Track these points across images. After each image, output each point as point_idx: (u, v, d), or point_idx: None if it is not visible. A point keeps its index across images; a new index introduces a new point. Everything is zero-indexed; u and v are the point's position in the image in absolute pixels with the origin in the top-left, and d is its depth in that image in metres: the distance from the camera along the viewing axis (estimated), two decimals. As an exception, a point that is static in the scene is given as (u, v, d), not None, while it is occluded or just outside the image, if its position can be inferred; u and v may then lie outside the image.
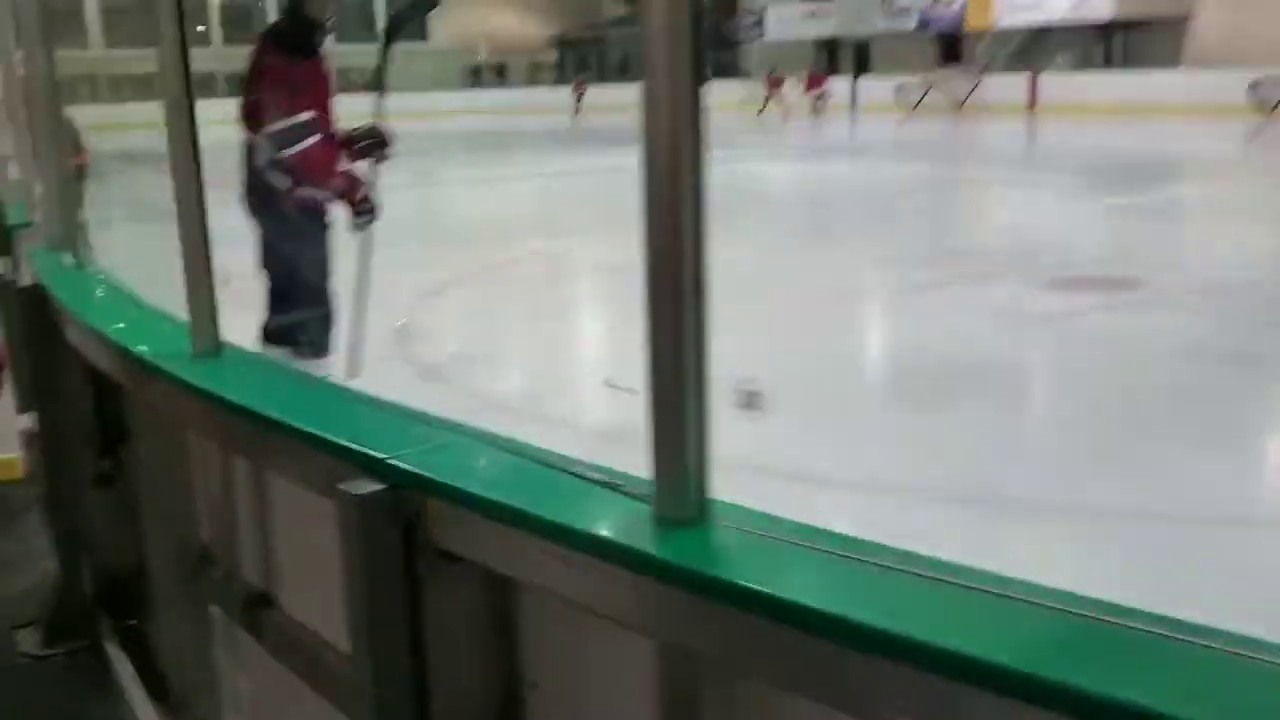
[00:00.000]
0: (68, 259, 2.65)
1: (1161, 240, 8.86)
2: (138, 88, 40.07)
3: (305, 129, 3.74)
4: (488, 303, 7.29)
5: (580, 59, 45.86)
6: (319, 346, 4.01)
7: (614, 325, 6.36)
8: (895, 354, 5.96)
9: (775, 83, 30.59)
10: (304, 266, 3.97)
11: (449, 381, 5.26)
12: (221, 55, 41.03)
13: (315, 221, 3.96)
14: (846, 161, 18.02)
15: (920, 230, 10.41)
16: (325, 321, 4.06)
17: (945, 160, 18.01)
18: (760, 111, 30.16)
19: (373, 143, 4.06)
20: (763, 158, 17.49)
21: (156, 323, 1.99)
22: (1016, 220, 10.26)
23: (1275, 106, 20.73)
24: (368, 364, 4.17)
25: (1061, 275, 7.09)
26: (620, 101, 34.77)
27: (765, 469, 3.42)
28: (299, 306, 3.99)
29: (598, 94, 41.20)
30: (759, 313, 6.52)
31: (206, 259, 1.69)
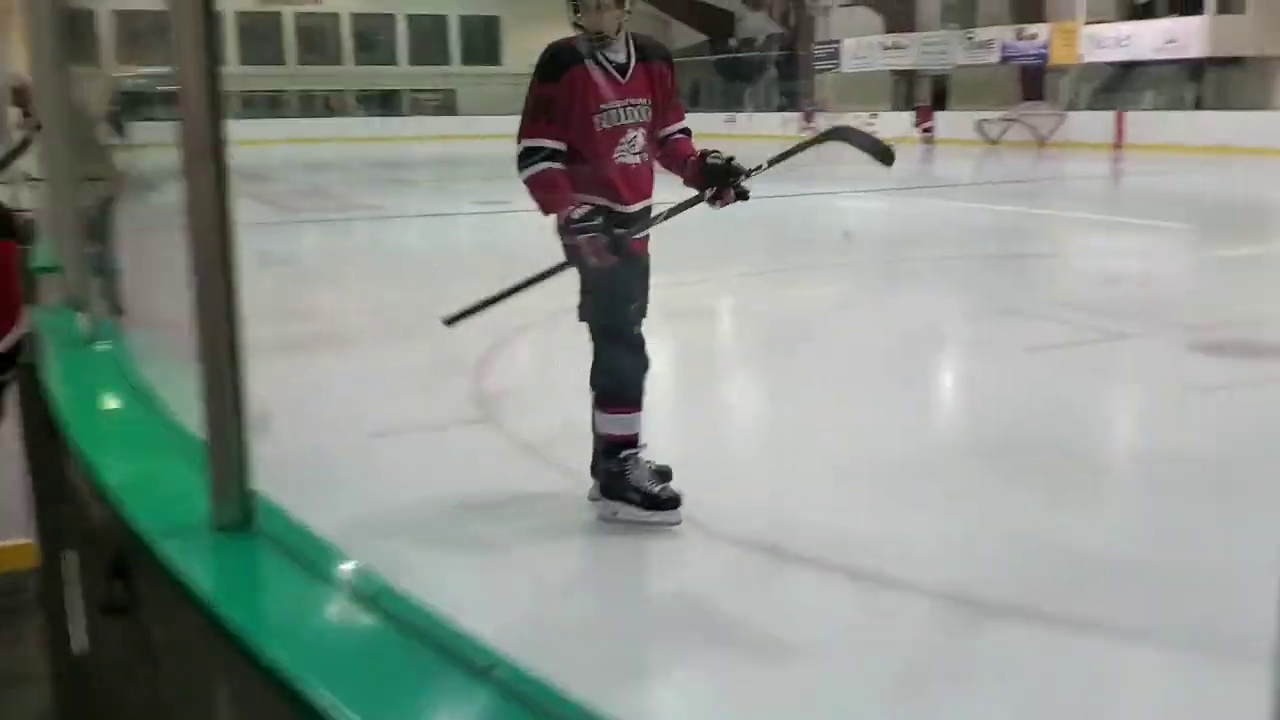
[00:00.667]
0: (83, 322, 2.12)
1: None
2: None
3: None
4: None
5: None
6: None
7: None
8: (1036, 429, 4.92)
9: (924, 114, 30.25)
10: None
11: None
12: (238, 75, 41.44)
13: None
14: (929, 197, 17.33)
15: (1025, 276, 9.73)
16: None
17: (1033, 199, 17.29)
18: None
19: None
20: (845, 193, 16.89)
21: (171, 458, 1.44)
22: (1126, 269, 9.53)
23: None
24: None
25: (1208, 338, 6.38)
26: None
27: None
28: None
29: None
30: (858, 372, 5.95)
31: (236, 384, 1.14)
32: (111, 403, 1.86)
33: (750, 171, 3.49)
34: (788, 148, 3.67)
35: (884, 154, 3.57)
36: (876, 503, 3.90)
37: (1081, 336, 6.63)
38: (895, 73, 36.50)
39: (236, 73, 42.50)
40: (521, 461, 4.47)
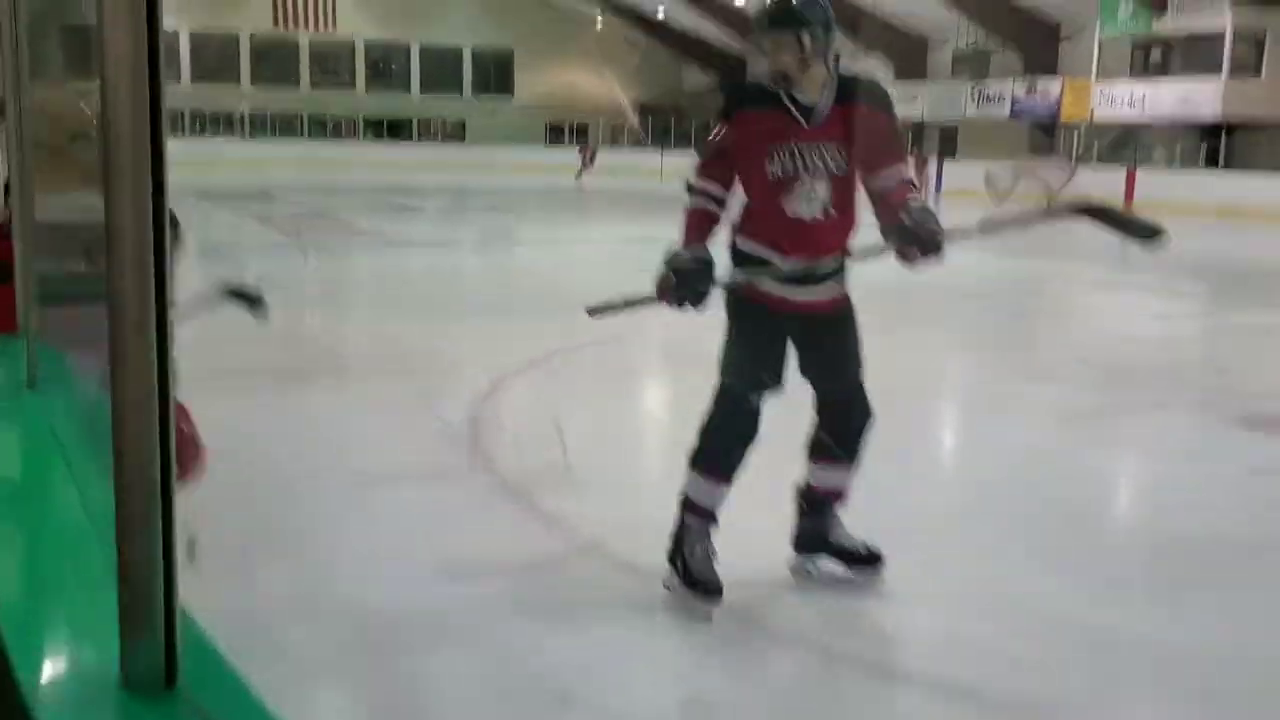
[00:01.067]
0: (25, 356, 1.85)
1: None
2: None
3: None
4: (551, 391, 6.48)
5: (663, 125, 45.62)
6: None
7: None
8: (1088, 515, 4.57)
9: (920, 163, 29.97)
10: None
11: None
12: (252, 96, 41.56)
13: None
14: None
15: (1048, 337, 9.49)
16: None
17: (1046, 255, 17.06)
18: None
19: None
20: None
21: (78, 582, 1.15)
22: (1150, 333, 9.31)
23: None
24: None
25: (1255, 411, 6.12)
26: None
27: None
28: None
29: (676, 160, 40.85)
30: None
31: (161, 503, 0.88)
32: (7, 485, 1.57)
33: (948, 235, 3.20)
34: (1009, 212, 3.29)
35: (1147, 233, 2.97)
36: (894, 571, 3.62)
37: (1114, 405, 6.37)
38: (905, 123, 36.47)
39: (247, 92, 42.64)
40: (512, 513, 4.21)
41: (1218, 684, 3.00)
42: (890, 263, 3.27)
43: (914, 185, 3.35)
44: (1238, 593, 3.66)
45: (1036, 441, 5.55)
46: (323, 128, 44.23)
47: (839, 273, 3.36)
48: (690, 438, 3.40)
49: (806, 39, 3.19)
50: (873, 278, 3.67)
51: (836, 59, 3.31)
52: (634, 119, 45.27)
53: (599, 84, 46.21)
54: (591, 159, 34.93)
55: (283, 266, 12.05)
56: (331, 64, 45.56)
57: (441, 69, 47.14)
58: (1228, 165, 26.42)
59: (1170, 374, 7.29)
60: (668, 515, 3.43)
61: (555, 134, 47.84)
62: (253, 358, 6.16)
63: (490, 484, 4.56)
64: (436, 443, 5.12)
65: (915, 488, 4.62)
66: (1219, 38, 25.53)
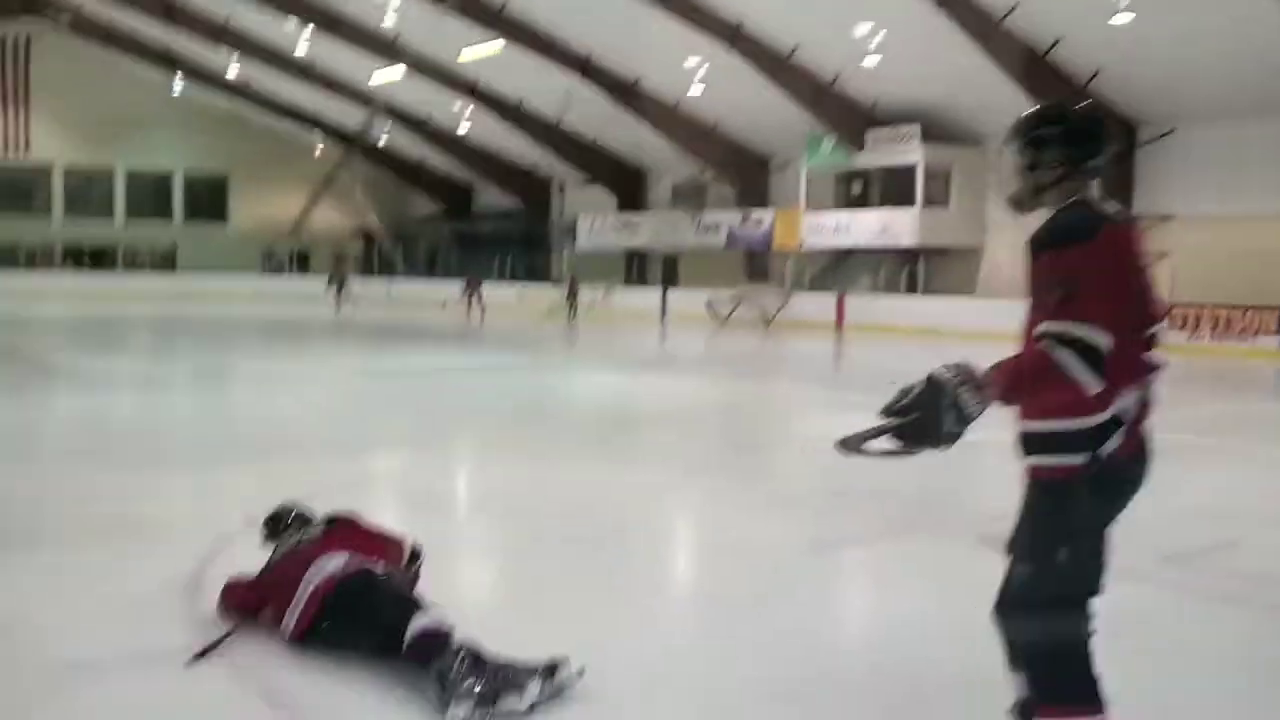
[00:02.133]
0: None
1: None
2: None
3: None
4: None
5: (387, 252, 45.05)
6: None
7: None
8: (873, 668, 4.48)
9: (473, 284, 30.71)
10: None
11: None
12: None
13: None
14: (658, 374, 17.33)
15: (787, 462, 9.59)
16: None
17: (766, 376, 17.64)
18: (571, 316, 30.09)
19: None
20: (565, 368, 16.69)
21: None
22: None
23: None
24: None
25: (989, 531, 6.18)
26: (428, 297, 33.92)
27: None
28: None
29: (404, 288, 40.29)
30: (606, 588, 5.45)
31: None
32: None
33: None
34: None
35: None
36: None
37: (865, 532, 6.37)
38: (629, 251, 37.45)
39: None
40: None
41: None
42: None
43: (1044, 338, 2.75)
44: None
45: (799, 586, 5.46)
46: (15, 256, 41.26)
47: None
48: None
49: (1033, 176, 2.94)
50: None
51: None
52: (383, 233, 44.30)
53: (336, 208, 45.35)
54: (340, 289, 33.22)
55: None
56: (24, 189, 42.73)
57: (150, 194, 45.06)
58: (926, 289, 28.40)
59: (902, 496, 7.40)
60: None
61: (271, 261, 46.45)
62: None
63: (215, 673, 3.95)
64: (150, 617, 4.48)
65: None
66: (912, 170, 27.64)
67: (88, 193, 44.08)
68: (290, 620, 3.91)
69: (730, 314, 28.15)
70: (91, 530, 5.97)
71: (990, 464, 8.44)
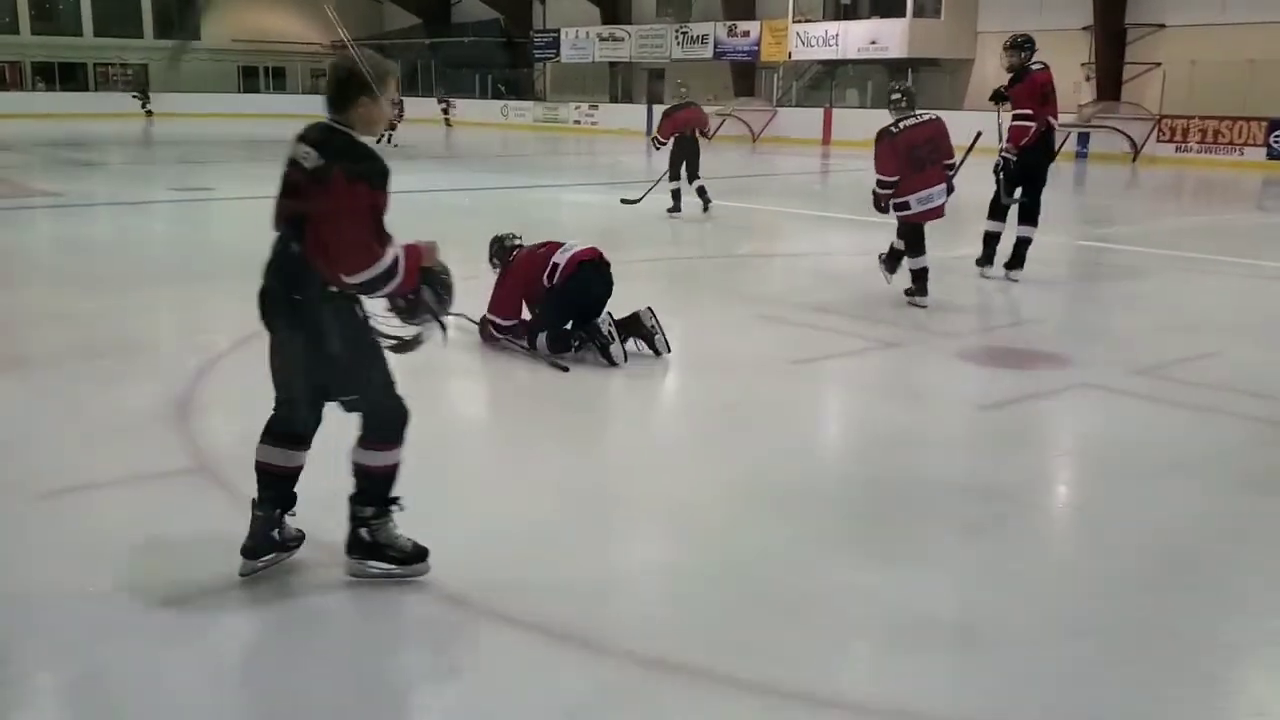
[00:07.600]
0: None
1: (1044, 303, 8.19)
2: None
3: None
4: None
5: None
6: None
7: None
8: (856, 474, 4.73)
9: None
10: None
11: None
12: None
13: None
14: (643, 192, 17.18)
15: (767, 277, 9.66)
16: None
17: (752, 194, 17.50)
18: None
19: None
20: (568, 186, 16.41)
21: None
22: (859, 267, 9.50)
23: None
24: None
25: (971, 345, 6.31)
26: (410, 112, 33.29)
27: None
28: None
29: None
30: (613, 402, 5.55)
31: None
32: None
33: None
34: None
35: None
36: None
37: (850, 346, 6.50)
38: (613, 64, 36.61)
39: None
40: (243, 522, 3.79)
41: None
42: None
43: None
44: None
45: (782, 388, 5.58)
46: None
47: None
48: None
49: None
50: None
51: None
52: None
53: (296, 26, 44.08)
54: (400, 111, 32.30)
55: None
56: (-10, 5, 41.24)
57: (118, 9, 43.47)
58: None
59: (888, 308, 7.46)
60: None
61: (249, 79, 45.32)
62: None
63: (208, 488, 4.06)
64: (138, 438, 4.56)
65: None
66: (903, -20, 26.87)
67: (54, 7, 42.57)
68: (557, 274, 5.84)
69: (716, 131, 27.72)
70: (73, 350, 6.01)
71: (972, 284, 8.57)
